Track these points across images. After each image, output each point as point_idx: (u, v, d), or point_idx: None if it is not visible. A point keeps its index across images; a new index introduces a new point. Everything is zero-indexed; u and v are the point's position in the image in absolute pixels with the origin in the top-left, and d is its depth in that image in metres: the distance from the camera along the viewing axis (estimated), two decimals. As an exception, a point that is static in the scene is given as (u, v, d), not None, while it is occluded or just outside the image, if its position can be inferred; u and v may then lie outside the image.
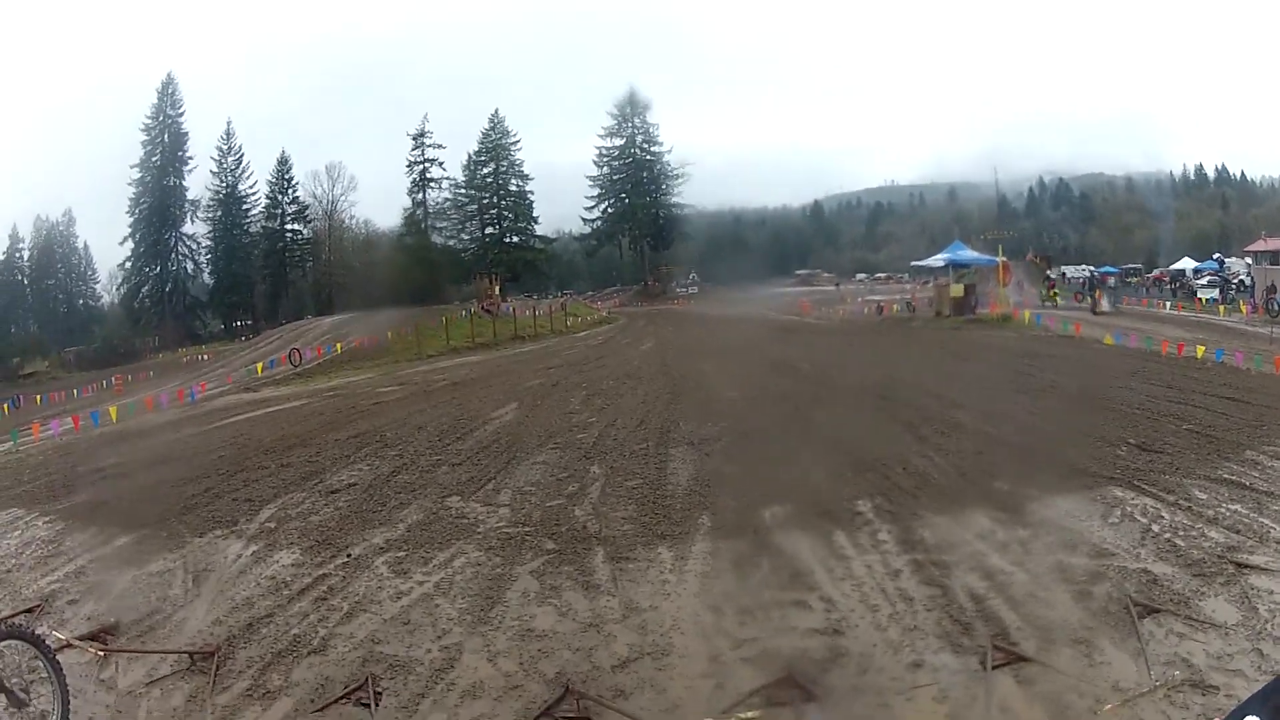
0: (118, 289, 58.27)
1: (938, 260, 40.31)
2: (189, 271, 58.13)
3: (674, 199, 60.19)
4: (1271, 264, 38.80)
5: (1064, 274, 42.46)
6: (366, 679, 7.38)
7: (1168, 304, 38.66)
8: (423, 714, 7.04)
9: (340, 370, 30.92)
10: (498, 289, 45.70)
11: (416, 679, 7.49)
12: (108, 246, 57.51)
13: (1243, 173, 52.00)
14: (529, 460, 14.53)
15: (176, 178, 57.43)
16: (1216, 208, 51.31)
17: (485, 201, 59.66)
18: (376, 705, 7.06)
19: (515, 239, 60.21)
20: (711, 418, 17.39)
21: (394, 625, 8.46)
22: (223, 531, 11.47)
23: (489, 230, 59.71)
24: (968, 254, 39.66)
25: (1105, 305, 35.64)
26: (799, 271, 51.06)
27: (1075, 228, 46.02)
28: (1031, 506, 10.73)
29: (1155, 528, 9.81)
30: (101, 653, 7.87)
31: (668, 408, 18.98)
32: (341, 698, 7.18)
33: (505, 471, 13.83)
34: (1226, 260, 46.01)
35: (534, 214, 60.93)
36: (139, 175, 56.80)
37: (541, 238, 61.40)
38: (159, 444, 18.79)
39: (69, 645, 7.94)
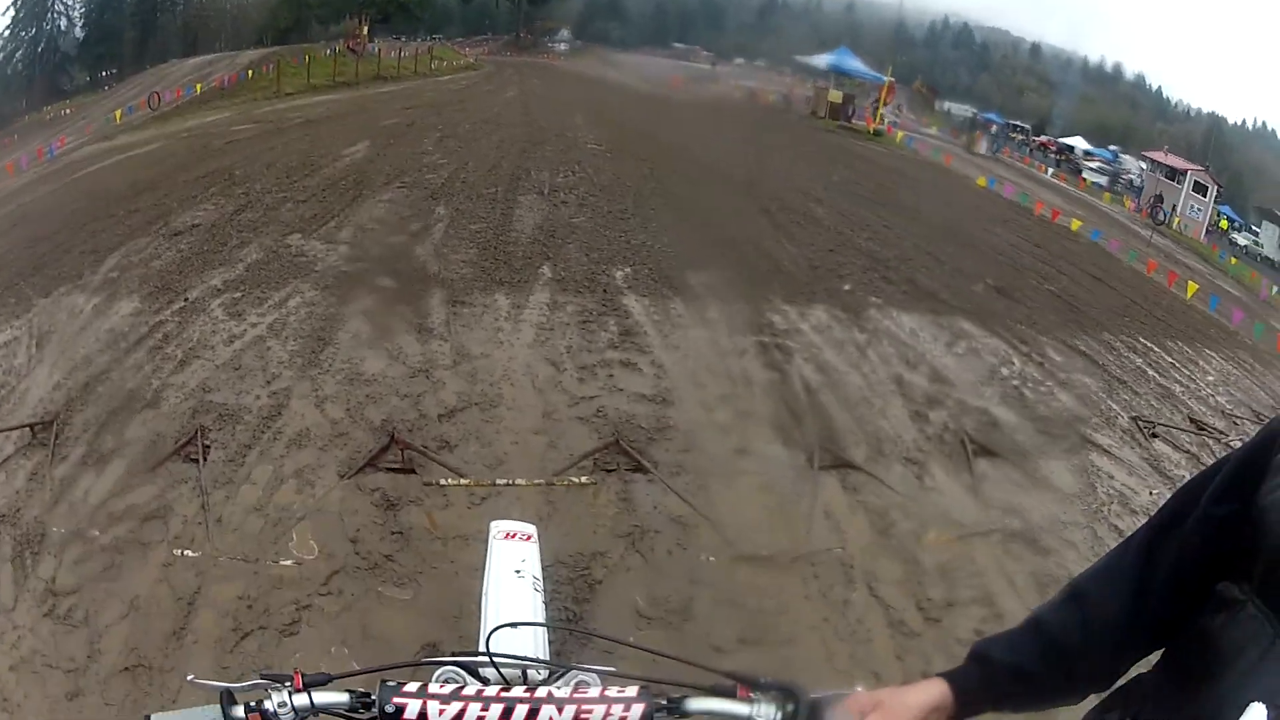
0: None
1: (821, 60, 39.48)
2: (61, 29, 54.32)
3: None
4: (1167, 178, 39.53)
5: (948, 109, 42.33)
6: (196, 432, 7.15)
7: (1049, 170, 39.15)
8: (249, 466, 6.90)
9: (198, 111, 29.10)
10: (365, 29, 43.80)
11: (244, 428, 7.31)
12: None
13: (1160, 88, 52.30)
14: (375, 198, 13.96)
15: None
16: (1125, 106, 51.73)
17: (365, -61, 56.60)
18: (205, 459, 6.88)
19: None
20: (566, 169, 16.92)
21: (225, 371, 8.19)
22: (67, 288, 10.70)
23: None
24: (854, 64, 38.76)
25: (983, 148, 35.72)
26: (676, 44, 49.87)
27: (969, 72, 45.85)
28: (876, 315, 10.81)
29: (1005, 372, 9.96)
30: None
31: (522, 155, 18.30)
32: (172, 454, 6.96)
33: (349, 209, 13.28)
34: (1122, 155, 46.60)
35: (411, -44, 58.16)
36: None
37: None
38: (15, 208, 17.45)
39: None
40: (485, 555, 3.54)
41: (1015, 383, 9.71)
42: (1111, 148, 47.04)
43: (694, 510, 6.77)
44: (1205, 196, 38.09)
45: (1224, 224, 35.33)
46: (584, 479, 6.97)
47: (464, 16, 59.82)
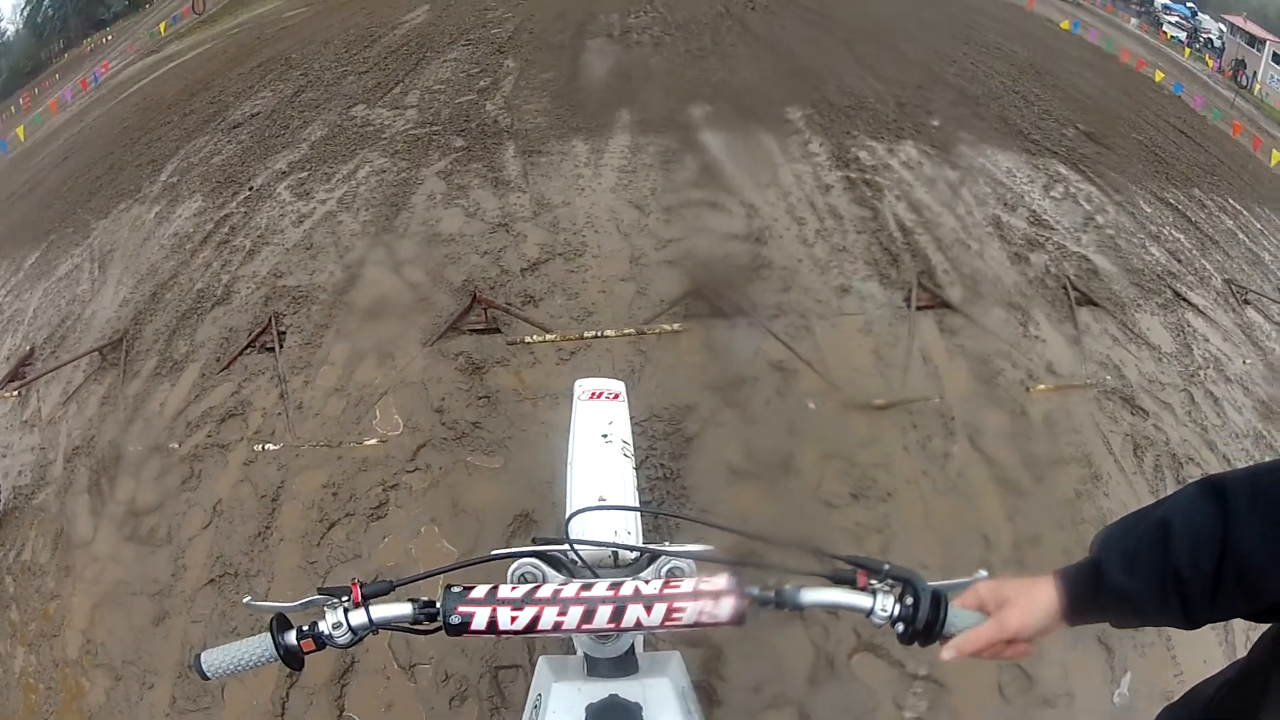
0: (21, 14, 54.02)
1: None
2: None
3: None
4: (1247, 44, 37.91)
5: None
6: (269, 320, 6.98)
7: (1132, 20, 37.65)
8: (326, 346, 6.73)
9: (247, 4, 28.57)
10: None
11: (319, 307, 7.13)
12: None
13: None
14: (439, 59, 13.54)
15: None
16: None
17: None
18: (280, 347, 6.73)
19: None
20: (636, 9, 16.22)
21: (296, 253, 7.97)
22: (126, 203, 10.48)
23: None
24: None
25: None
26: None
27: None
28: (970, 153, 10.28)
29: (1100, 219, 9.41)
30: (16, 393, 7.18)
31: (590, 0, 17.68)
32: (246, 348, 6.80)
33: (413, 73, 12.89)
34: (1200, 13, 44.80)
35: None
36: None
37: None
38: (65, 142, 17.33)
39: None
40: (570, 418, 3.33)
41: (1110, 231, 9.17)
42: (1189, 4, 45.20)
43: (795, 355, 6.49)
44: None
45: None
46: (676, 325, 6.69)
47: None
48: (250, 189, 9.59)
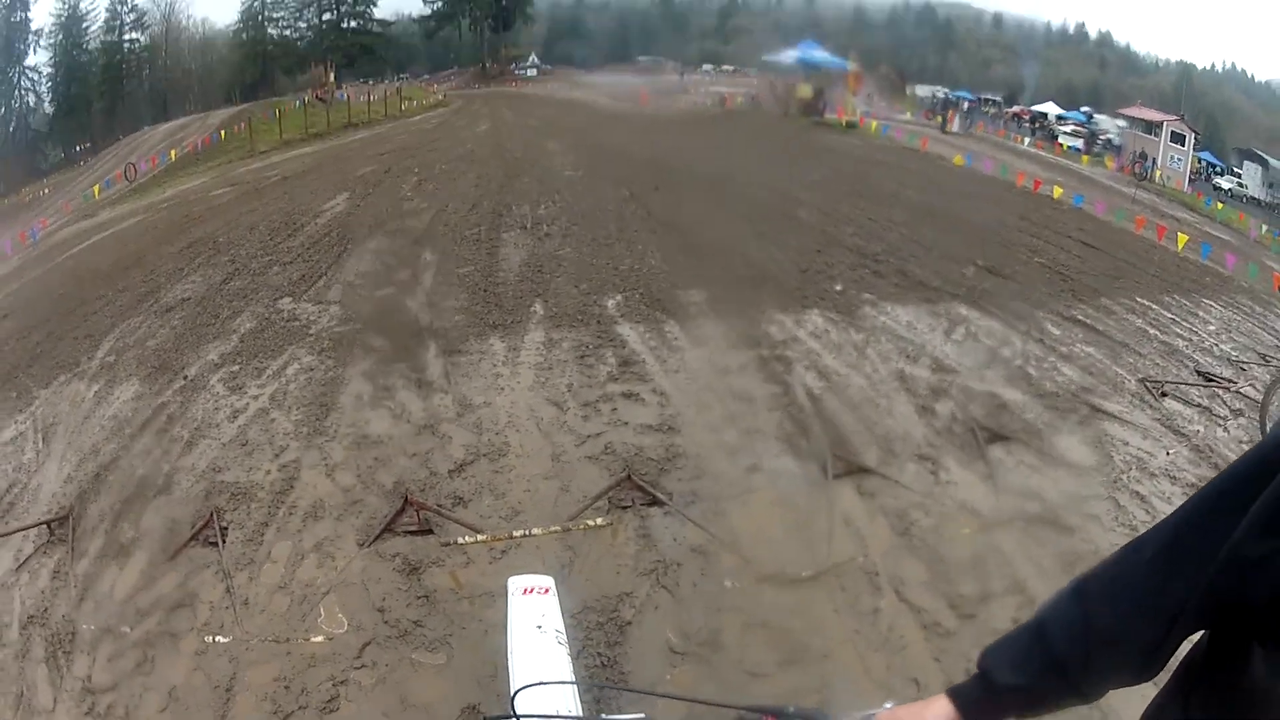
0: None
1: (788, 56, 39.44)
2: (30, 105, 54.17)
3: None
4: (1145, 132, 39.52)
5: (918, 92, 42.34)
6: (211, 515, 7.15)
7: (1026, 140, 39.16)
8: (268, 544, 6.89)
9: (175, 179, 29.15)
10: (332, 76, 43.70)
11: (259, 506, 7.31)
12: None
13: (1128, 44, 52.28)
14: (359, 249, 14.02)
15: (23, 11, 52.91)
16: (1093, 65, 51.73)
17: (322, -12, 56.72)
18: (223, 542, 6.88)
19: (353, 24, 57.57)
20: (546, 200, 16.94)
21: (232, 449, 8.19)
22: (66, 376, 10.71)
23: (326, 17, 56.79)
24: (820, 55, 38.72)
25: (956, 126, 35.59)
26: (641, 59, 49.62)
27: (935, 50, 45.86)
28: (871, 312, 10.80)
29: (1005, 352, 9.96)
30: None
31: (501, 191, 18.28)
32: (190, 540, 6.96)
33: (336, 265, 13.31)
34: (1095, 116, 46.61)
35: (373, -1, 58.34)
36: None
37: (380, 21, 58.61)
38: (4, 298, 17.50)
39: None
40: (505, 613, 3.54)
41: (1018, 362, 9.72)
42: (1084, 109, 47.12)
43: (713, 537, 6.78)
44: (1184, 145, 38.21)
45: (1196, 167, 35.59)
46: (600, 520, 6.96)
47: (429, 52, 59.80)
48: (185, 378, 9.85)
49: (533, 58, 56.56)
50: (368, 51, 56.26)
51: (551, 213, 15.81)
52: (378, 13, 57.94)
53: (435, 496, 7.13)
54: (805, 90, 36.15)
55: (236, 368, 9.91)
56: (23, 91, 52.97)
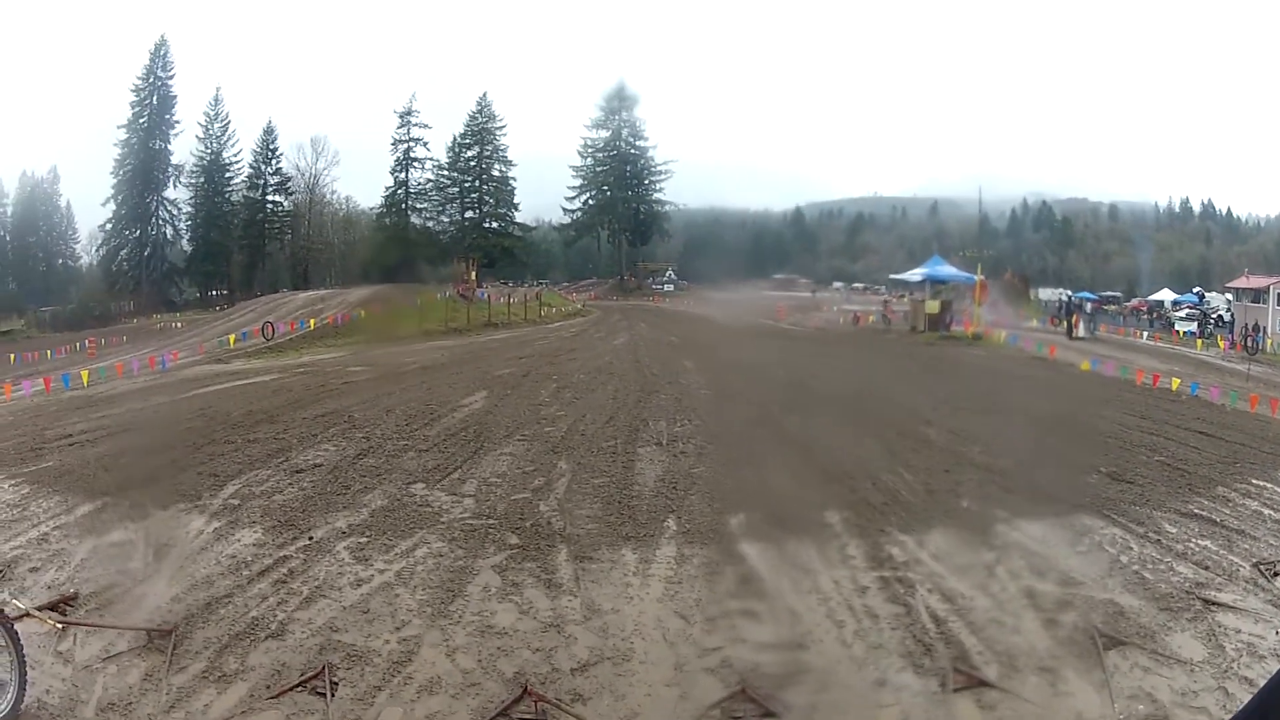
0: (97, 250, 57.20)
1: (915, 274, 40.32)
2: (168, 237, 57.19)
3: (656, 195, 59.81)
4: (1253, 302, 39.13)
5: (1041, 297, 42.59)
6: (323, 667, 7.28)
7: (1145, 334, 38.90)
8: (379, 707, 6.94)
9: (312, 346, 30.66)
10: (474, 274, 45.33)
11: (374, 670, 7.38)
12: (90, 207, 56.38)
13: (1229, 209, 52.35)
14: (496, 451, 14.35)
15: (162, 141, 56.42)
16: (1199, 241, 51.62)
17: (467, 185, 58.93)
18: (332, 695, 6.96)
19: (495, 224, 59.50)
20: (682, 417, 17.30)
21: (353, 613, 8.34)
22: (186, 505, 11.28)
23: (469, 214, 58.99)
24: (946, 270, 39.65)
25: (1082, 330, 35.77)
26: (776, 276, 50.75)
27: (1055, 251, 46.18)
28: (1003, 529, 10.71)
29: (1124, 559, 9.84)
30: (60, 625, 7.65)
31: (638, 404, 18.80)
32: (297, 685, 7.08)
33: (471, 461, 13.67)
34: (1206, 295, 46.36)
35: (515, 201, 60.14)
36: (125, 136, 55.72)
37: (521, 225, 60.72)
38: (127, 411, 18.52)
39: (28, 615, 7.75)
40: None
41: (1135, 567, 9.59)
42: (1196, 290, 46.87)
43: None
44: None
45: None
46: (717, 729, 6.88)
47: (567, 260, 62.25)
48: (310, 538, 10.16)
49: (669, 273, 58.47)
50: (509, 254, 58.74)
51: (687, 431, 16.17)
52: (519, 217, 60.87)
53: (555, 691, 7.11)
54: (933, 306, 36.85)
55: (365, 540, 10.17)
56: (160, 221, 56.35)
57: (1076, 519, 11.14)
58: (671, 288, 56.32)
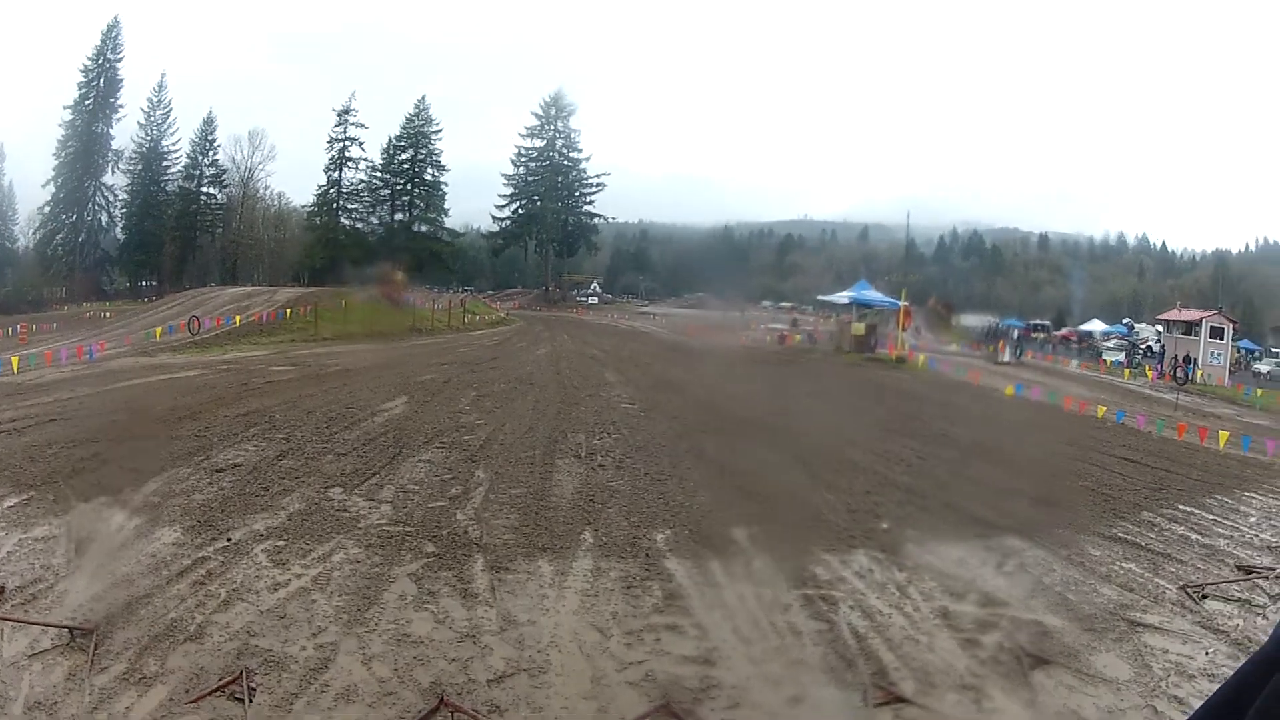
0: (34, 233, 56.24)
1: (843, 297, 40.92)
2: (103, 224, 56.33)
3: (586, 207, 59.87)
4: (1184, 334, 40.17)
5: (965, 322, 43.39)
6: (241, 673, 7.16)
7: (1073, 362, 39.71)
8: (296, 714, 6.85)
9: (237, 343, 30.33)
10: (400, 277, 45.08)
11: (291, 676, 7.28)
12: (31, 187, 55.43)
13: (1164, 243, 53.70)
14: (414, 457, 14.31)
15: (105, 125, 55.64)
16: (1133, 274, 52.90)
17: (399, 187, 58.75)
18: (250, 700, 6.86)
19: (424, 228, 59.40)
20: (601, 430, 17.37)
21: (270, 618, 8.22)
22: (108, 499, 11.14)
23: (399, 216, 58.87)
24: (872, 294, 40.33)
25: (1006, 356, 36.51)
26: (701, 293, 51.08)
27: (982, 278, 47.09)
28: (915, 550, 10.85)
29: (1048, 579, 10.04)
30: None
31: (558, 416, 18.83)
32: (216, 689, 6.96)
33: (390, 467, 13.60)
34: (1136, 326, 47.50)
35: (445, 206, 60.09)
36: (70, 118, 54.84)
37: (450, 230, 60.54)
38: (54, 401, 18.19)
39: None
40: None
41: (1059, 588, 9.78)
42: (1125, 321, 48.07)
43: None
44: (1223, 339, 38.83)
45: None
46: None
47: (494, 269, 62.06)
48: (228, 540, 10.01)
49: (595, 285, 58.48)
50: (437, 259, 58.39)
51: (606, 444, 16.19)
52: (449, 222, 60.53)
53: (471, 702, 7.05)
54: (859, 328, 37.57)
55: (282, 543, 10.06)
56: (96, 206, 55.33)
57: (1003, 540, 11.32)
58: (596, 301, 56.38)
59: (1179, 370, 35.93)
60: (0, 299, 49.87)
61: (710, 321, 37.87)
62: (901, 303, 37.75)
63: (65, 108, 54.33)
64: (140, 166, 56.15)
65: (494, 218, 60.84)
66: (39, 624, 7.70)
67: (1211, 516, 13.15)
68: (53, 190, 54.87)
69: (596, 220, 59.46)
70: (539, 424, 17.73)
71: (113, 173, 55.90)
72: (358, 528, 10.74)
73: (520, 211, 60.58)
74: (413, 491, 12.39)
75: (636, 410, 20.49)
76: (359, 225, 58.18)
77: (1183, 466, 16.68)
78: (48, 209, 55.12)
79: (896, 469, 15.14)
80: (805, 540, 11.01)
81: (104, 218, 56.10)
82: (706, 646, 8.20)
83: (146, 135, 56.43)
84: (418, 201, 59.03)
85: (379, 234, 57.60)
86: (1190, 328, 40.08)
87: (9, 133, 54.61)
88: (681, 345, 33.37)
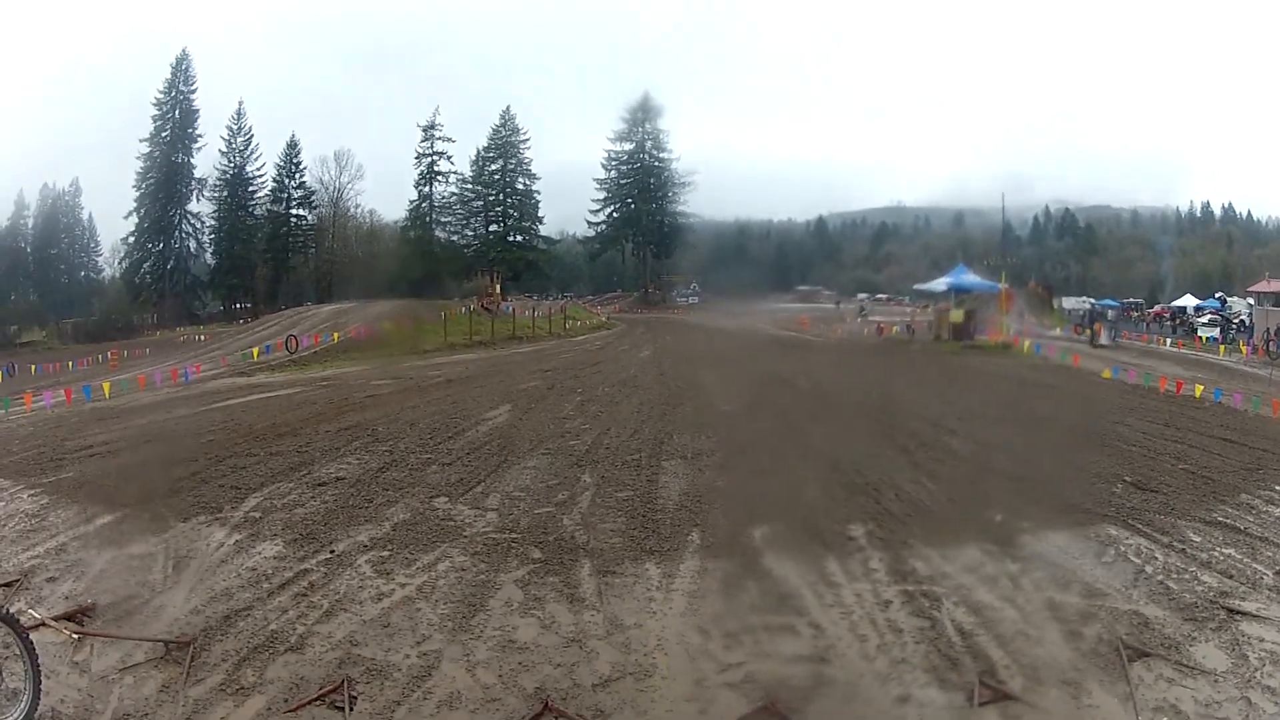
0: (119, 263, 57.53)
1: (940, 284, 39.96)
2: (191, 250, 57.46)
3: (679, 207, 59.70)
4: (1274, 306, 38.83)
5: (1065, 305, 42.31)
6: (343, 681, 7.27)
7: (1168, 340, 38.64)
8: (398, 721, 6.92)
9: (335, 360, 30.76)
10: (498, 287, 45.35)
11: (393, 684, 7.37)
12: (112, 219, 56.71)
13: (1249, 212, 51.91)
14: (520, 465, 14.32)
15: (185, 155, 56.80)
16: (1221, 246, 51.24)
17: (491, 199, 59.04)
18: (351, 709, 6.96)
19: (519, 238, 59.55)
20: (706, 430, 17.21)
21: (373, 627, 8.34)
22: (206, 518, 11.32)
23: (493, 228, 59.09)
24: (970, 279, 39.31)
25: (1104, 339, 35.45)
26: (800, 287, 50.55)
27: (1078, 258, 45.91)
28: (1026, 540, 10.60)
29: (1149, 569, 9.74)
30: (76, 635, 7.78)
31: (663, 418, 18.75)
32: (316, 699, 7.08)
33: (495, 475, 13.64)
34: (1229, 299, 45.97)
35: (539, 214, 60.21)
36: (148, 150, 56.08)
37: (545, 238, 60.73)
38: (149, 423, 18.68)
39: (44, 625, 7.87)
40: None
41: (1159, 578, 9.51)
42: (1218, 295, 46.48)
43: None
44: None
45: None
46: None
47: (592, 273, 62.26)
48: (331, 551, 10.16)
49: (694, 285, 58.36)
50: (533, 267, 58.79)
51: (711, 445, 16.06)
52: (543, 230, 60.91)
53: (576, 707, 7.08)
54: (958, 315, 36.61)
55: (386, 553, 10.17)
56: (183, 234, 56.67)
57: (1102, 529, 11.04)
58: (696, 300, 56.16)
59: (1271, 344, 34.64)
60: (89, 328, 51.10)
61: (808, 315, 37.33)
62: (1002, 286, 36.95)
63: (141, 140, 55.63)
64: (225, 192, 57.20)
65: (589, 222, 61.03)
66: (131, 638, 7.88)
67: (1309, 495, 12.67)
68: (136, 220, 56.26)
69: (690, 219, 59.33)
70: (644, 426, 17.72)
71: (198, 200, 57.01)
72: (463, 536, 10.82)
73: (614, 215, 60.65)
74: (518, 498, 12.46)
75: (738, 410, 20.38)
76: (454, 238, 58.80)
77: (1279, 445, 16.10)
78: (132, 239, 56.48)
79: (999, 457, 14.89)
80: (909, 533, 10.86)
81: (192, 244, 57.28)
82: (816, 645, 8.15)
83: (229, 162, 57.44)
84: (511, 211, 59.34)
85: (474, 246, 58.05)
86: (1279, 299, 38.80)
87: (85, 168, 56.09)
88: (781, 341, 33.04)
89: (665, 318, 42.04)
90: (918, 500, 12.31)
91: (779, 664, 7.76)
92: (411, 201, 58.19)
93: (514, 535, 10.88)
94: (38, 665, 6.36)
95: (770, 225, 59.12)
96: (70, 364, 37.59)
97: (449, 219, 58.86)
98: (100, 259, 58.24)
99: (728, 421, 18.41)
